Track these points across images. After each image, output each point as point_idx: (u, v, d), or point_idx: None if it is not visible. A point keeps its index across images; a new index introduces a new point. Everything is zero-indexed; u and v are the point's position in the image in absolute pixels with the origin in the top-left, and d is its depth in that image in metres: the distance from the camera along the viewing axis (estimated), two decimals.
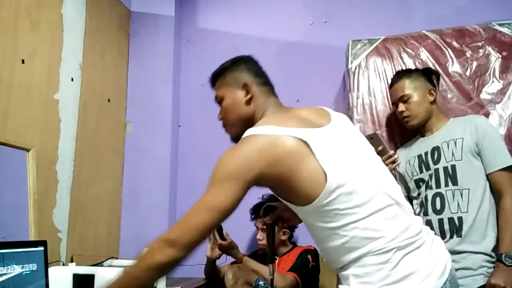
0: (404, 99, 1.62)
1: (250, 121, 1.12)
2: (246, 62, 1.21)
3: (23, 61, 1.74)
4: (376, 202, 0.95)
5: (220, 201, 0.94)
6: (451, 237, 1.45)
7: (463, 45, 1.87)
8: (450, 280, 0.95)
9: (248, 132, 1.01)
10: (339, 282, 1.03)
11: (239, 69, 1.18)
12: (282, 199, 1.03)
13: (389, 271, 0.90)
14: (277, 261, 2.01)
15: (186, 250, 0.92)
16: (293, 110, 1.13)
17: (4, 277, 1.24)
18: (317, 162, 0.94)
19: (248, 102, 1.14)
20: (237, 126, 1.15)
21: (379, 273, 0.90)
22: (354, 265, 0.94)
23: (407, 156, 1.67)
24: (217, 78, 1.22)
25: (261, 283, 1.73)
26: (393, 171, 1.56)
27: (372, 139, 1.51)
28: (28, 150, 1.71)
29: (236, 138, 1.16)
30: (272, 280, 1.28)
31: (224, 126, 1.22)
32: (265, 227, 1.98)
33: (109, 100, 2.38)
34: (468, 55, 1.86)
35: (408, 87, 1.62)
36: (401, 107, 1.63)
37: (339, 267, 1.00)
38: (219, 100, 1.20)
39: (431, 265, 0.93)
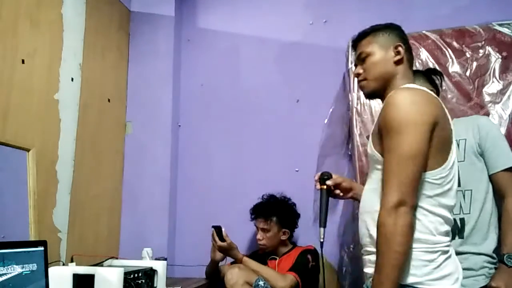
0: None
1: (391, 80, 1.19)
2: (398, 29, 1.26)
3: (23, 61, 1.74)
4: (451, 212, 1.08)
5: (418, 147, 1.00)
6: (453, 238, 1.45)
7: (463, 45, 1.88)
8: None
9: (411, 85, 1.12)
10: (364, 265, 1.11)
11: (393, 32, 1.23)
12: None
13: (433, 269, 1.01)
14: (277, 261, 2.01)
15: (413, 202, 1.00)
16: None
17: (4, 277, 1.24)
18: (450, 145, 1.06)
19: (397, 63, 1.19)
20: (378, 82, 1.20)
21: (425, 268, 1.00)
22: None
23: None
24: (367, 35, 1.26)
25: (261, 283, 1.73)
26: None
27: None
28: (28, 150, 1.71)
29: (372, 93, 1.23)
30: (322, 243, 1.29)
31: (361, 81, 1.26)
32: (266, 227, 1.99)
33: (109, 100, 2.38)
34: (468, 55, 1.86)
35: None
36: None
37: (373, 248, 1.06)
38: (365, 56, 1.24)
39: (459, 271, 1.06)
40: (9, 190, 1.64)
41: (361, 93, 1.95)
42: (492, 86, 1.80)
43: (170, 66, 2.58)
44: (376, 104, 1.95)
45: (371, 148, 1.14)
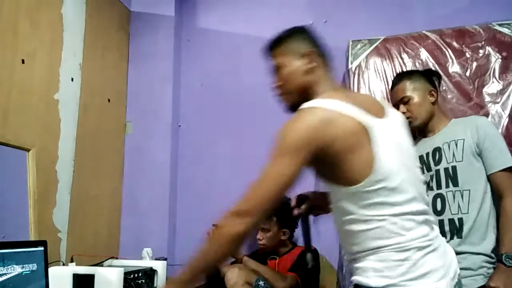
0: (405, 101, 1.62)
1: (308, 91, 1.12)
2: (307, 32, 1.20)
3: (23, 61, 1.74)
4: (412, 205, 0.99)
5: (282, 173, 0.97)
6: (451, 238, 1.45)
7: (463, 46, 1.87)
8: (458, 284, 1.00)
9: (313, 103, 1.02)
10: (353, 273, 1.05)
11: (301, 38, 1.18)
12: (324, 177, 1.06)
13: (408, 268, 0.94)
14: (277, 261, 2.01)
15: (258, 219, 0.98)
16: (351, 92, 1.15)
17: (4, 277, 1.24)
18: (371, 151, 0.97)
19: (309, 71, 1.13)
20: (295, 95, 1.15)
21: (398, 268, 0.94)
22: (373, 259, 0.97)
23: None
24: (276, 45, 1.20)
25: (261, 283, 1.73)
26: None
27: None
28: (28, 150, 1.71)
29: (292, 107, 1.16)
30: (309, 268, 1.28)
31: (279, 95, 1.20)
32: (266, 227, 1.99)
33: (109, 100, 2.38)
34: (468, 56, 1.86)
35: (409, 88, 1.62)
36: (402, 108, 1.63)
37: (353, 257, 1.03)
38: (277, 68, 1.19)
39: (445, 267, 0.98)
40: (9, 190, 1.65)
41: (361, 93, 1.97)
42: (492, 86, 1.80)
43: (170, 66, 2.58)
44: None
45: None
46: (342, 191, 1.00)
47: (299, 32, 1.19)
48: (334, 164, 0.98)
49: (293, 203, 1.31)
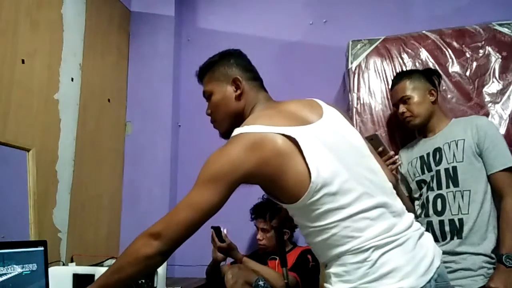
0: (405, 100, 1.62)
1: (239, 117, 1.11)
2: (235, 57, 1.18)
3: (23, 61, 1.74)
4: (361, 203, 0.94)
5: (204, 201, 0.95)
6: (452, 238, 1.45)
7: (463, 45, 1.87)
8: (436, 279, 0.93)
9: (237, 131, 0.99)
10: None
11: (229, 63, 1.15)
12: (271, 196, 1.04)
13: (367, 270, 0.90)
14: (277, 261, 2.01)
15: (170, 244, 0.94)
16: (283, 105, 1.10)
17: (4, 277, 1.24)
18: (304, 161, 0.93)
19: (238, 97, 1.12)
20: (227, 122, 1.14)
21: (357, 271, 0.90)
22: (335, 264, 0.95)
23: (409, 157, 1.67)
24: (205, 72, 1.19)
25: (261, 283, 1.73)
26: (395, 172, 1.56)
27: (372, 140, 1.50)
28: (28, 150, 1.71)
29: (225, 134, 1.14)
30: (287, 283, 1.28)
31: (212, 122, 1.19)
32: (266, 227, 1.99)
33: (109, 100, 2.38)
34: (468, 55, 1.86)
35: (408, 88, 1.62)
36: (402, 108, 1.63)
37: (324, 264, 1.01)
38: (208, 95, 1.17)
39: (413, 263, 0.91)
40: (9, 190, 1.65)
41: (361, 93, 1.98)
42: (492, 86, 1.80)
43: (170, 66, 2.58)
44: (377, 105, 1.94)
45: None
46: (291, 207, 0.98)
47: (226, 57, 1.17)
48: (271, 185, 0.97)
49: (267, 217, 1.31)
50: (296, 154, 0.94)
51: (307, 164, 0.93)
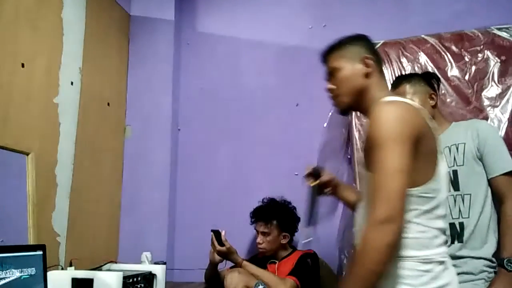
0: None
1: (364, 94, 1.16)
2: (365, 40, 1.24)
3: (23, 65, 1.74)
4: (443, 223, 1.06)
5: (403, 161, 0.96)
6: (452, 242, 1.45)
7: (462, 49, 1.88)
8: None
9: (392, 97, 1.06)
10: None
11: (360, 44, 1.22)
12: None
13: (429, 280, 0.99)
14: (276, 265, 2.00)
15: (401, 218, 0.95)
16: None
17: (3, 282, 1.23)
18: (436, 159, 1.02)
19: (367, 75, 1.16)
20: (350, 97, 1.18)
21: (421, 278, 0.99)
22: (398, 266, 1.00)
23: None
24: (333, 50, 1.24)
25: (260, 287, 1.73)
26: None
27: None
28: (27, 154, 1.71)
29: (345, 108, 1.21)
30: (308, 242, 1.29)
31: (333, 97, 1.23)
32: (265, 231, 1.98)
33: (108, 104, 2.38)
34: (467, 59, 1.87)
35: (409, 92, 1.62)
36: None
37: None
38: (333, 71, 1.22)
39: (455, 280, 1.06)
40: (8, 194, 1.64)
41: None
42: (491, 90, 1.81)
43: (170, 69, 2.58)
44: None
45: (363, 165, 1.12)
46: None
47: (358, 39, 1.23)
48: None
49: (306, 171, 1.33)
50: (435, 147, 1.04)
51: (437, 162, 1.02)
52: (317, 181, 1.29)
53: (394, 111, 1.00)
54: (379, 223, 0.92)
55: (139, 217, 2.42)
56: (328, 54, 1.25)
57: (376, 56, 1.20)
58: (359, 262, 0.95)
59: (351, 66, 1.18)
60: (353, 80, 1.17)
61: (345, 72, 1.18)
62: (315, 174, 1.30)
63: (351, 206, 1.38)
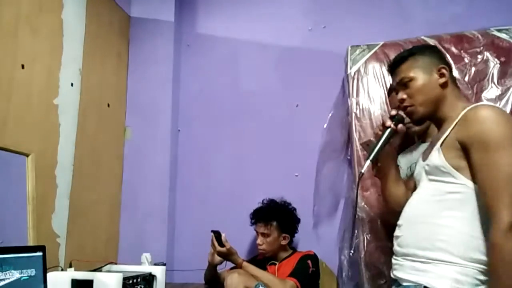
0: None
1: (440, 103, 1.17)
2: (436, 49, 1.25)
3: (23, 66, 1.75)
4: None
5: None
6: None
7: (462, 51, 1.88)
8: None
9: (487, 103, 1.15)
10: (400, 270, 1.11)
11: (433, 54, 1.22)
12: (464, 169, 1.08)
13: None
14: (276, 266, 2.00)
15: None
16: None
17: (2, 283, 1.23)
18: None
19: (443, 85, 1.17)
20: (427, 107, 1.19)
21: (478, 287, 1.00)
22: (457, 271, 1.01)
23: (408, 162, 1.67)
24: (406, 59, 1.23)
25: None
26: None
27: (368, 145, 1.51)
28: (27, 155, 1.71)
29: (420, 119, 1.22)
30: (361, 174, 1.30)
31: (407, 107, 1.23)
32: (265, 232, 1.98)
33: (108, 105, 2.38)
34: (467, 61, 1.87)
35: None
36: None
37: (423, 259, 1.06)
38: (406, 81, 1.21)
39: None
40: (8, 195, 1.64)
41: (360, 98, 1.98)
42: (491, 91, 1.81)
43: (170, 71, 2.58)
44: (376, 109, 1.95)
45: (441, 160, 1.10)
46: (473, 187, 1.03)
47: (431, 49, 1.24)
48: None
49: (393, 112, 1.32)
50: None
51: None
52: (397, 127, 1.30)
53: (502, 114, 1.03)
54: (509, 228, 0.93)
55: (139, 218, 2.42)
56: (401, 63, 1.24)
57: (449, 65, 1.21)
58: (501, 273, 0.94)
59: (426, 76, 1.18)
60: (430, 90, 1.17)
61: (421, 82, 1.18)
62: (396, 120, 1.30)
63: (392, 196, 1.37)
